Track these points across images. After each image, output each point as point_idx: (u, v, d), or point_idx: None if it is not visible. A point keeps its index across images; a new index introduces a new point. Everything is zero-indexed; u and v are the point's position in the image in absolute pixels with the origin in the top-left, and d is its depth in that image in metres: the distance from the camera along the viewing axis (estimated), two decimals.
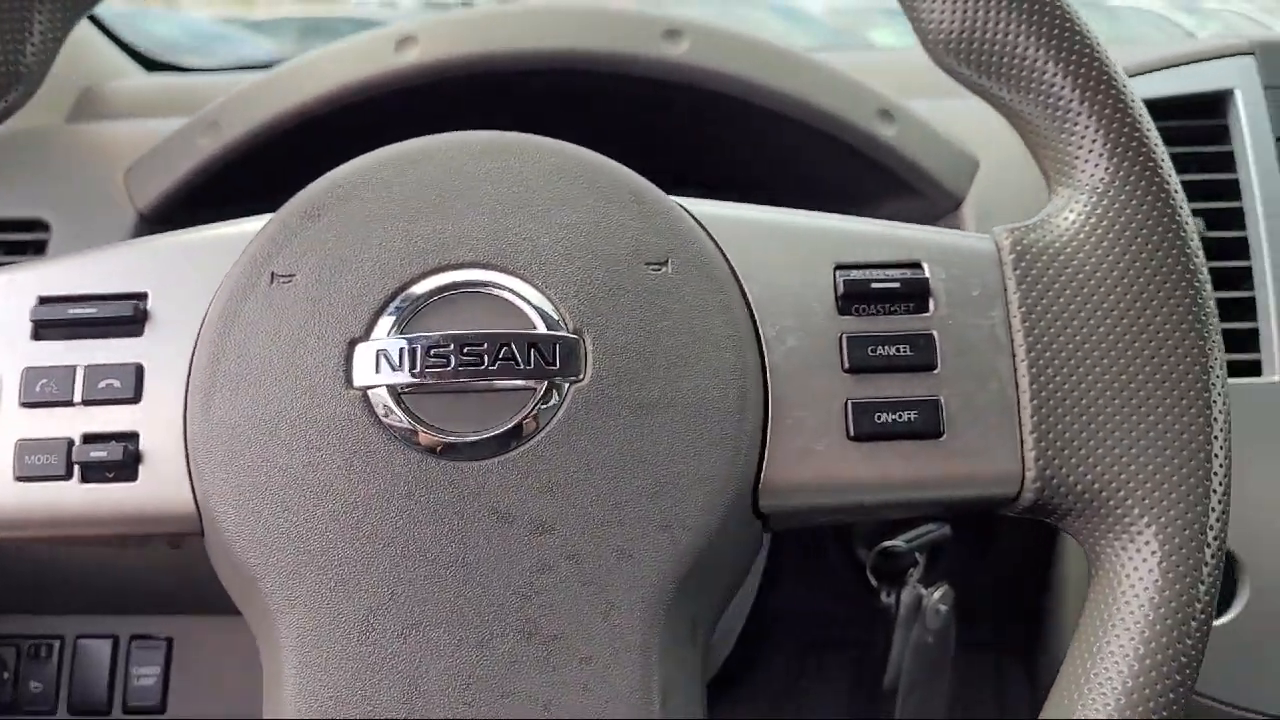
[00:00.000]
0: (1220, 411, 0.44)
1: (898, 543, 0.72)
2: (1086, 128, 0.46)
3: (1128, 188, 0.45)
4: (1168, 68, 0.75)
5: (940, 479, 0.44)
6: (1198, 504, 0.43)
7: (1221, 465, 0.44)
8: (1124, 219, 0.45)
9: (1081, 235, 0.46)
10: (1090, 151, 0.46)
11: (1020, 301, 0.45)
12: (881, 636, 0.75)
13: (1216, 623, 0.67)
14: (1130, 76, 0.77)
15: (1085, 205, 0.46)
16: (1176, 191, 0.46)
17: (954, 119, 0.85)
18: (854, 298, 0.45)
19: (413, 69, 0.73)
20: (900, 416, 0.44)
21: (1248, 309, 0.70)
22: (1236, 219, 0.71)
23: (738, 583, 0.46)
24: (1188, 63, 0.75)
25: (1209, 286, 0.45)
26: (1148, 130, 0.46)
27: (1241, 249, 0.71)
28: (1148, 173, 0.46)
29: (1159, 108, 0.75)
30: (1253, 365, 0.69)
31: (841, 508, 0.45)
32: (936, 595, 0.71)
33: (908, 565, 0.74)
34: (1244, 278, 0.70)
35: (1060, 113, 0.46)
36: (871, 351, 0.45)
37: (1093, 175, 0.46)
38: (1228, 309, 0.70)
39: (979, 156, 0.79)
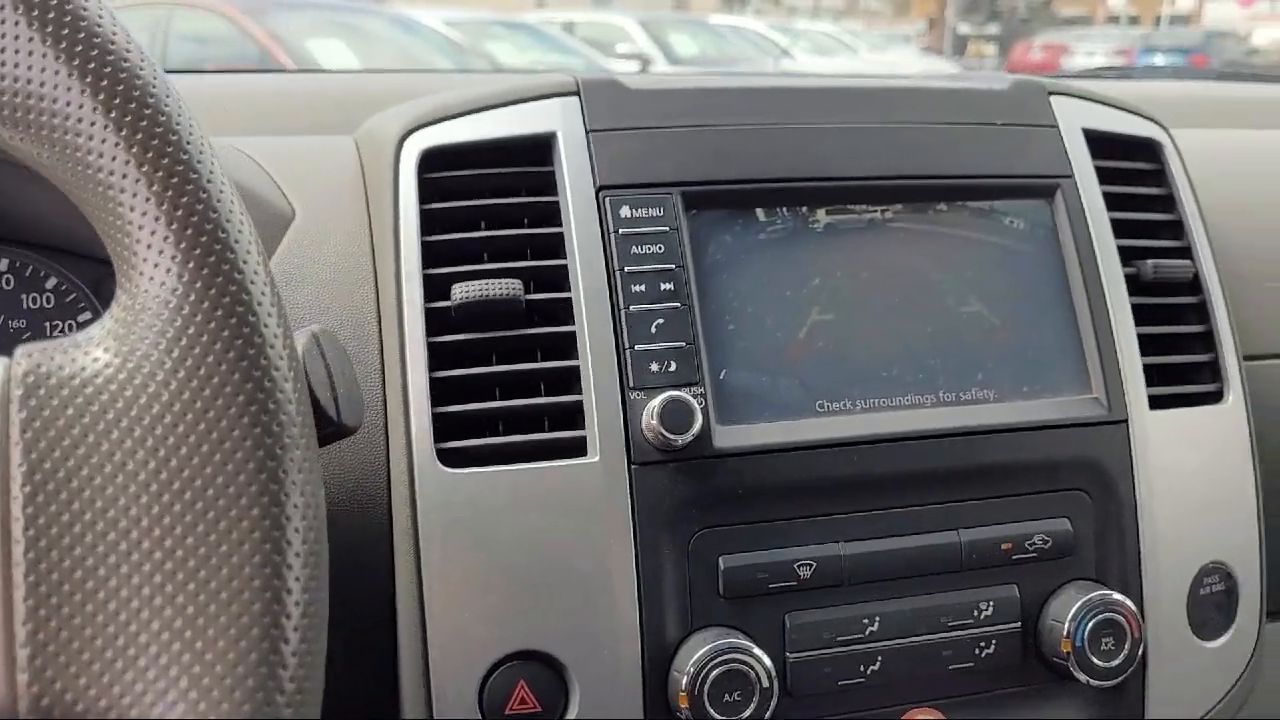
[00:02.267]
0: (294, 590, 0.34)
1: None
2: (139, 211, 0.34)
3: (183, 299, 0.34)
4: (497, 106, 0.67)
5: None
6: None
7: (293, 658, 0.33)
8: (165, 343, 0.34)
9: (118, 361, 0.34)
10: (145, 245, 0.34)
11: (24, 456, 0.33)
12: None
13: None
14: (456, 116, 0.70)
15: (137, 319, 0.34)
16: (251, 313, 0.35)
17: (300, 157, 0.74)
18: None
19: None
20: None
21: (573, 381, 0.63)
22: (564, 278, 0.64)
23: None
24: (518, 101, 0.67)
25: (285, 429, 0.35)
26: (216, 216, 0.35)
27: (567, 313, 0.63)
28: (208, 276, 0.34)
29: (485, 152, 0.66)
30: (578, 443, 0.61)
31: None
32: None
33: None
34: (570, 345, 0.63)
35: (108, 189, 0.34)
36: None
37: (148, 277, 0.34)
38: (554, 382, 0.63)
39: (300, 205, 0.68)
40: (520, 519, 0.60)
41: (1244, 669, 0.72)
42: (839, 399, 0.65)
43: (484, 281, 0.62)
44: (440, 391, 0.62)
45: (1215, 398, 0.73)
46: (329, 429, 0.42)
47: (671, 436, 0.60)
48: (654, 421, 0.60)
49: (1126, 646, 0.65)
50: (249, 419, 0.34)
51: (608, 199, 0.64)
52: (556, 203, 0.65)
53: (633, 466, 0.61)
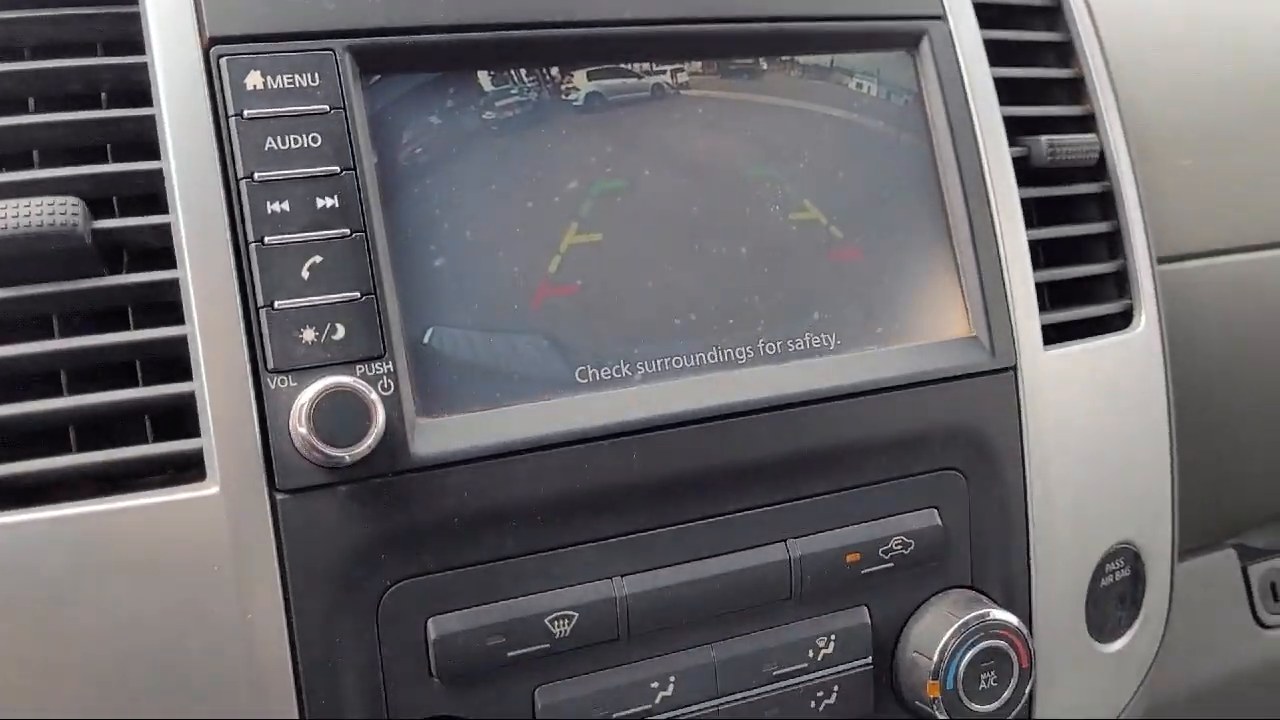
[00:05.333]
0: None
1: None
2: None
3: None
4: None
5: None
6: None
7: None
8: None
9: None
10: None
11: None
12: None
13: None
14: None
15: None
16: None
17: None
18: None
19: None
20: None
21: (180, 360, 0.39)
22: (158, 192, 0.40)
23: None
24: None
25: None
26: None
27: (164, 251, 0.40)
28: None
29: None
30: (190, 460, 0.39)
31: None
32: None
33: None
34: (171, 303, 0.39)
35: None
36: None
37: None
38: (151, 364, 0.40)
39: None
40: (99, 590, 0.37)
41: (1149, 664, 0.57)
42: (610, 363, 0.44)
43: (19, 202, 0.38)
44: None
45: (1124, 321, 0.55)
46: None
47: (334, 452, 0.37)
48: (303, 427, 0.37)
49: (1013, 682, 0.47)
50: None
51: (224, 60, 0.40)
52: (143, 66, 0.40)
53: (277, 495, 0.39)
